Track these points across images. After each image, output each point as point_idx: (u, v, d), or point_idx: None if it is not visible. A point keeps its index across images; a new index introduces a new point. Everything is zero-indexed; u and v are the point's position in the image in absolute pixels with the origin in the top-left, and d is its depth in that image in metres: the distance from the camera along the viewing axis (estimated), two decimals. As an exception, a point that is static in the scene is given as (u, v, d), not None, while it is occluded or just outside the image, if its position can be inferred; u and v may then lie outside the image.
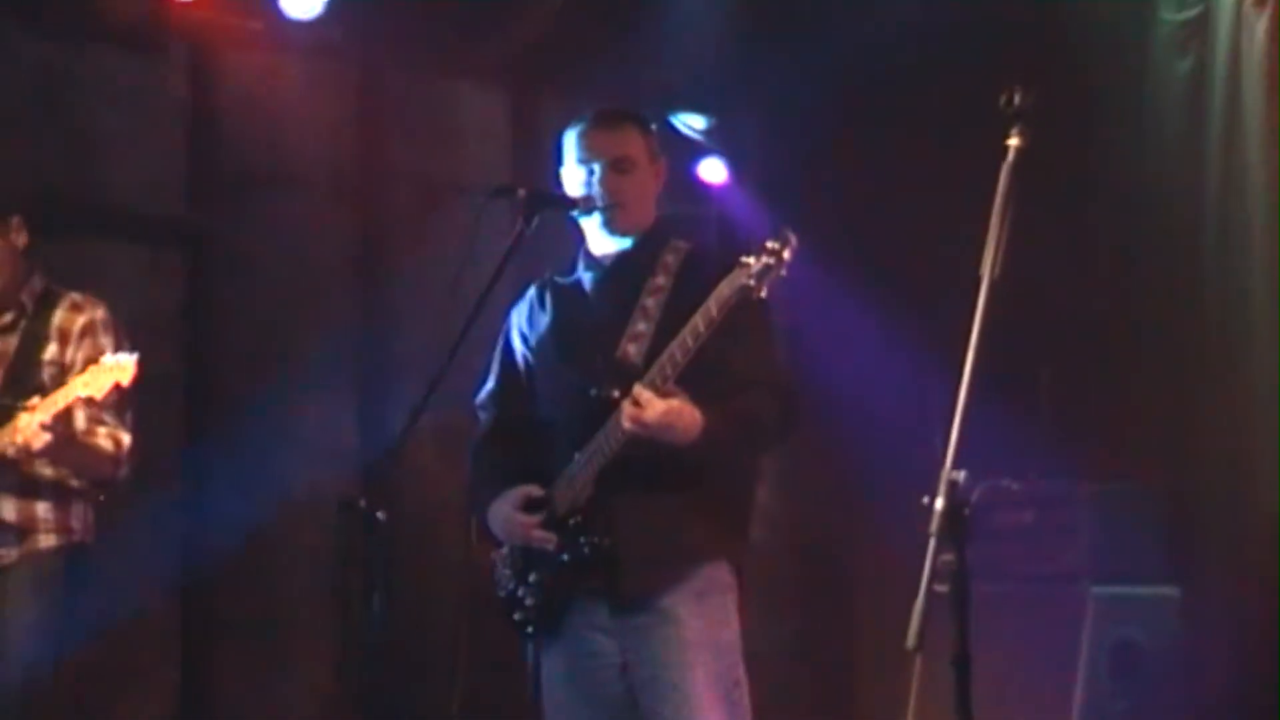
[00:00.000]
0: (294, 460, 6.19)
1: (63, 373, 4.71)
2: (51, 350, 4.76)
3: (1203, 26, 6.10)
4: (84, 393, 4.49)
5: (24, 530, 4.71)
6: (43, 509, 4.73)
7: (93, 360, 4.59)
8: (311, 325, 6.44)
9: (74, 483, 4.75)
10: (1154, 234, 6.20)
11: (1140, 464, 6.21)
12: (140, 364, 4.54)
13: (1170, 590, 5.97)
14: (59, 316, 4.80)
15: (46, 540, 4.74)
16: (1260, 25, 5.90)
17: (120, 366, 4.51)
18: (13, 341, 4.78)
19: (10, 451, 4.55)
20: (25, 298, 4.81)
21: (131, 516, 5.77)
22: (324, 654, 6.39)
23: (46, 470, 4.69)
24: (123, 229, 6.13)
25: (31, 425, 4.47)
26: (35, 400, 4.52)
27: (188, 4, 5.61)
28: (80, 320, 4.80)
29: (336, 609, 6.34)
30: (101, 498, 4.85)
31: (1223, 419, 6.00)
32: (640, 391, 3.79)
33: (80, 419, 4.67)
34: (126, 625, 5.80)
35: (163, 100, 6.18)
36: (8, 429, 4.54)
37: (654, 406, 3.78)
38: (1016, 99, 3.16)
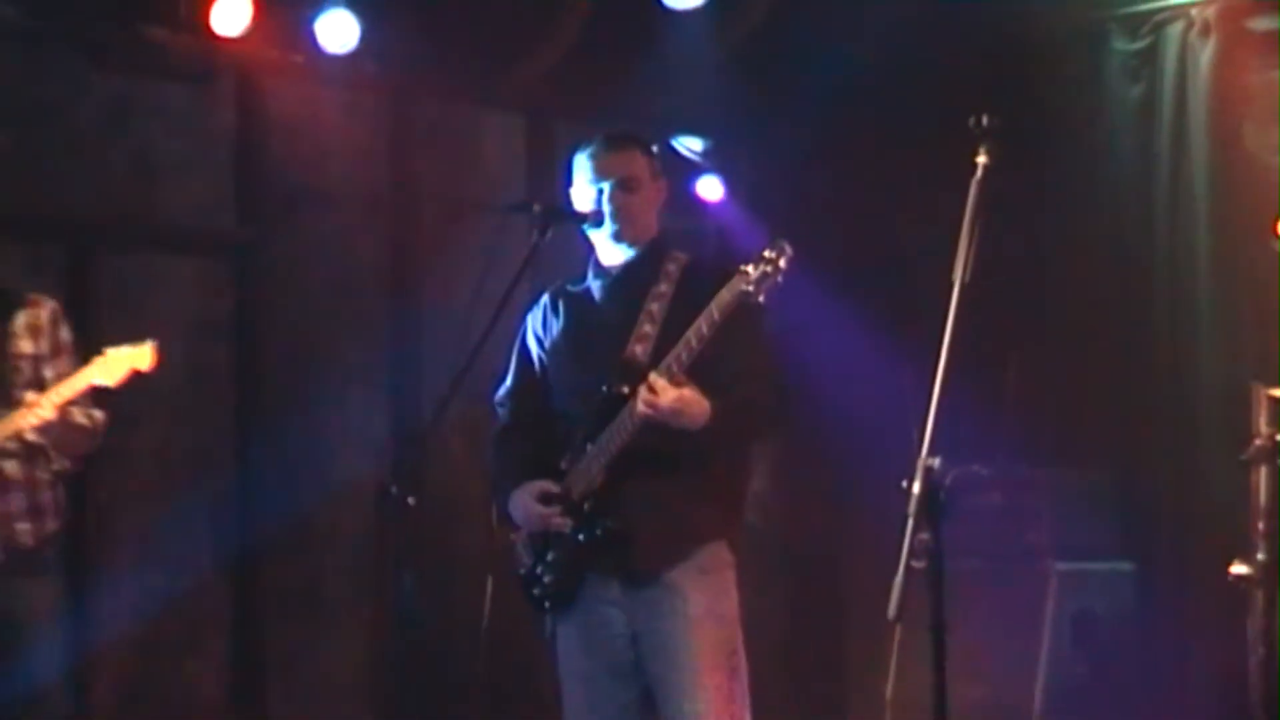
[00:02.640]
0: (333, 451, 6.21)
1: (38, 365, 4.45)
2: (24, 346, 4.45)
3: (1152, 56, 6.09)
4: (99, 381, 4.28)
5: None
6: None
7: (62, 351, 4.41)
8: (348, 329, 6.44)
9: (55, 465, 4.44)
10: (1108, 244, 6.19)
11: (1097, 451, 6.20)
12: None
13: (1125, 565, 5.98)
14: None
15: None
16: (1204, 54, 5.91)
17: (139, 354, 4.33)
18: None
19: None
20: None
21: (188, 502, 5.79)
22: (361, 624, 6.38)
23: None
24: (179, 243, 6.12)
25: (31, 418, 4.21)
26: (31, 395, 4.27)
27: (235, 40, 5.59)
28: (44, 314, 4.49)
29: (372, 584, 6.34)
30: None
31: (1170, 411, 6.00)
32: (655, 379, 3.79)
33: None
34: (184, 599, 5.83)
35: (213, 127, 6.17)
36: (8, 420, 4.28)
37: (667, 394, 3.78)
38: (984, 121, 3.16)
